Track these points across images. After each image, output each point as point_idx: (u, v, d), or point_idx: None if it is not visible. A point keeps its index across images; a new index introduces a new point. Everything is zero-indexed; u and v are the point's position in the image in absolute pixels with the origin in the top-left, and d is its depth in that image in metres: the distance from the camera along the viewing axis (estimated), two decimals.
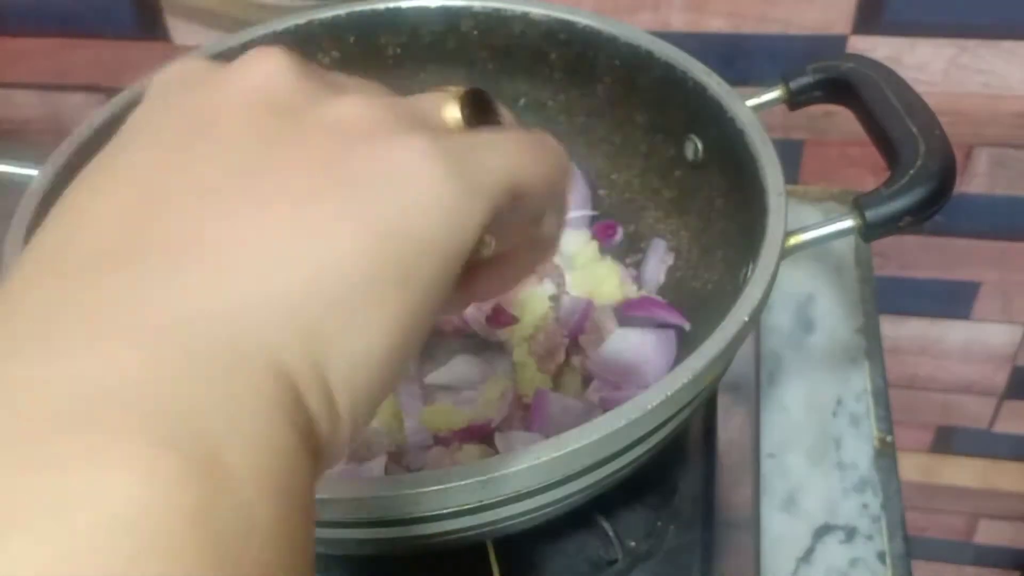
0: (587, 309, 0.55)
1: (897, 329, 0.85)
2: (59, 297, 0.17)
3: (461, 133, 0.23)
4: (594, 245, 0.59)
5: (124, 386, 0.16)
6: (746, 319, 0.39)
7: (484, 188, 0.21)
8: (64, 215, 0.20)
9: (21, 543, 0.14)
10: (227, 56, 0.56)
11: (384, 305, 0.19)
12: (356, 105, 0.21)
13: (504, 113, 0.26)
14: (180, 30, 0.76)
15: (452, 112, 0.23)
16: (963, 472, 0.98)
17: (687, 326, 0.52)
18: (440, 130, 0.22)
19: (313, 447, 0.19)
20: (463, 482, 0.34)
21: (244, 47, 0.56)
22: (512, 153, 0.22)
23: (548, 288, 0.56)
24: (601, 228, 0.60)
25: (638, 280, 0.57)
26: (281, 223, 0.19)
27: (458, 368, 0.53)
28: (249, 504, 0.16)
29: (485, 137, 0.22)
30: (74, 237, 0.19)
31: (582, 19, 0.56)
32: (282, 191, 0.19)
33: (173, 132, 0.21)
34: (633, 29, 0.55)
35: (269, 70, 0.21)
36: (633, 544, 0.48)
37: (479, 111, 0.24)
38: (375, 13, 0.58)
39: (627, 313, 0.55)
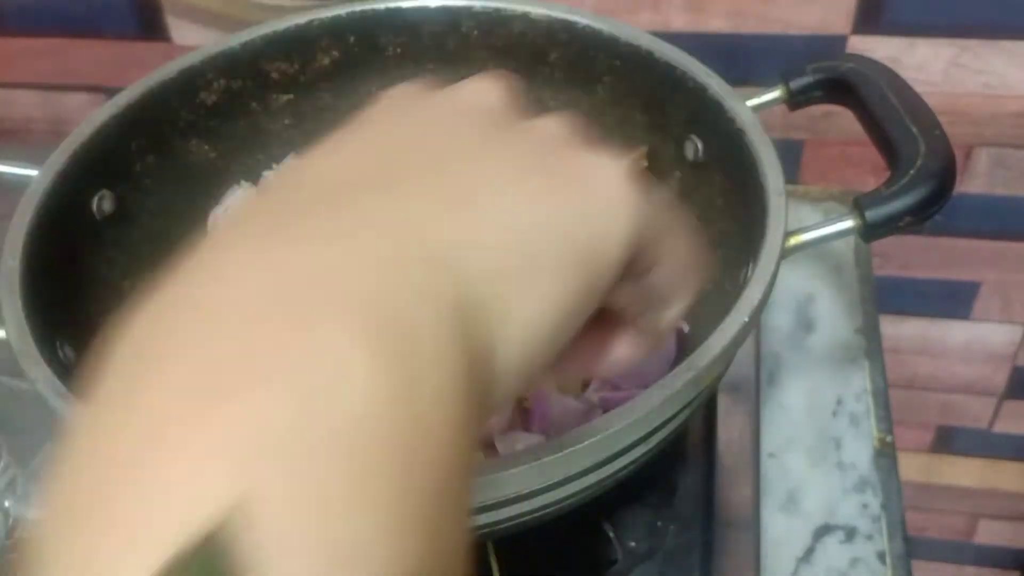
0: None
1: (897, 329, 0.85)
2: (314, 203, 0.20)
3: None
4: None
5: (355, 275, 0.18)
6: (746, 319, 0.39)
7: (646, 219, 0.24)
8: (304, 170, 0.22)
9: (265, 395, 0.16)
10: (228, 56, 0.56)
11: (562, 281, 0.22)
12: (559, 124, 0.25)
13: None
14: (180, 30, 0.76)
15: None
16: (963, 472, 0.98)
17: (686, 328, 0.52)
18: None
19: (479, 385, 0.20)
20: None
21: (244, 47, 0.56)
22: (669, 218, 0.25)
23: None
24: None
25: None
26: (498, 186, 0.22)
27: None
28: (426, 410, 0.17)
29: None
30: (324, 174, 0.22)
31: (582, 19, 0.56)
32: (500, 165, 0.23)
33: (401, 126, 0.24)
34: (633, 29, 0.55)
35: (487, 90, 0.26)
36: (633, 544, 0.48)
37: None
38: (375, 13, 0.58)
39: None
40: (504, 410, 0.49)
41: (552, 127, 0.25)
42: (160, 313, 0.18)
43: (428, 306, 0.19)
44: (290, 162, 0.21)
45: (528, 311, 0.21)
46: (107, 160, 0.51)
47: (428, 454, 0.17)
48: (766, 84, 0.52)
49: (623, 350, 0.28)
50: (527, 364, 0.22)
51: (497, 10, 0.57)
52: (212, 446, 0.15)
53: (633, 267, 0.24)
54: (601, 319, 0.27)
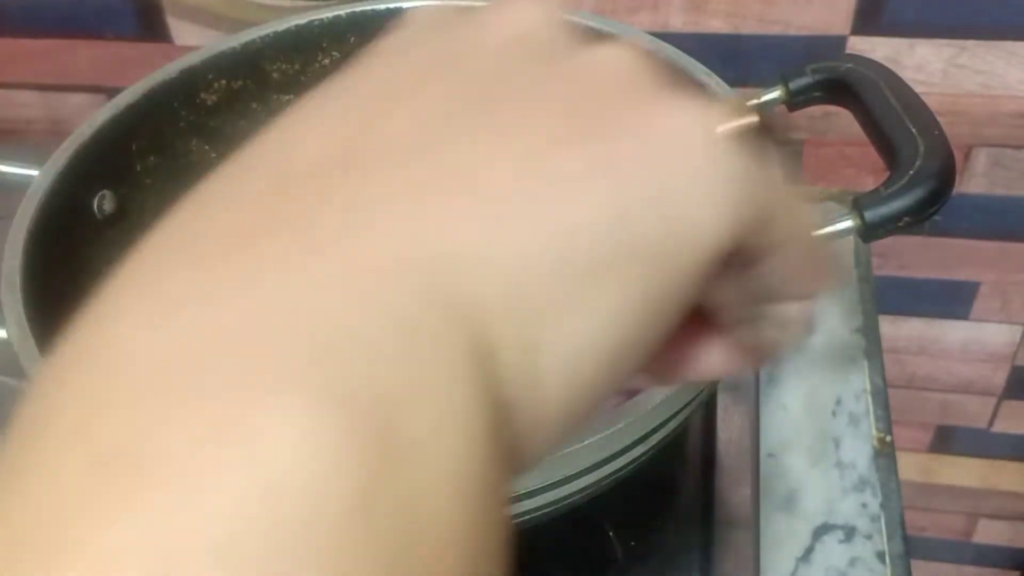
0: None
1: (896, 329, 0.85)
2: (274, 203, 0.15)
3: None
4: None
5: (317, 318, 0.13)
6: None
7: (750, 190, 0.17)
8: (288, 126, 0.18)
9: (182, 494, 0.11)
10: (228, 56, 0.56)
11: (623, 293, 0.16)
12: (625, 54, 0.18)
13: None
14: (181, 30, 0.76)
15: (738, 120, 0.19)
16: (962, 472, 0.98)
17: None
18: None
19: (508, 440, 0.16)
20: None
21: (244, 47, 0.56)
22: (784, 189, 0.19)
23: None
24: None
25: None
26: (519, 160, 0.16)
27: None
28: (424, 492, 0.13)
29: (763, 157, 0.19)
30: (295, 147, 0.17)
31: (582, 19, 0.56)
32: (527, 125, 0.16)
33: (413, 63, 0.18)
34: (633, 29, 0.55)
35: (531, 16, 0.19)
36: (633, 544, 0.48)
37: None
38: (375, 13, 0.58)
39: None
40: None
41: (617, 58, 0.18)
42: (59, 371, 0.14)
43: (424, 350, 0.14)
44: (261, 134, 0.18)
45: (573, 338, 0.16)
46: (108, 160, 0.51)
47: (432, 542, 0.13)
48: (765, 84, 0.52)
49: (717, 360, 0.22)
50: (592, 389, 0.17)
51: None
52: (113, 558, 0.11)
53: (735, 259, 0.18)
54: (691, 318, 0.20)
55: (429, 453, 0.13)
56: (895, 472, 0.54)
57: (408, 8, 0.58)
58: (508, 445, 0.16)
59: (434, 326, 0.14)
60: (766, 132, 0.19)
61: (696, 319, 0.20)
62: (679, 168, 0.17)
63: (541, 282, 0.15)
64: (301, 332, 0.13)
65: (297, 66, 0.58)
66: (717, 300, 0.20)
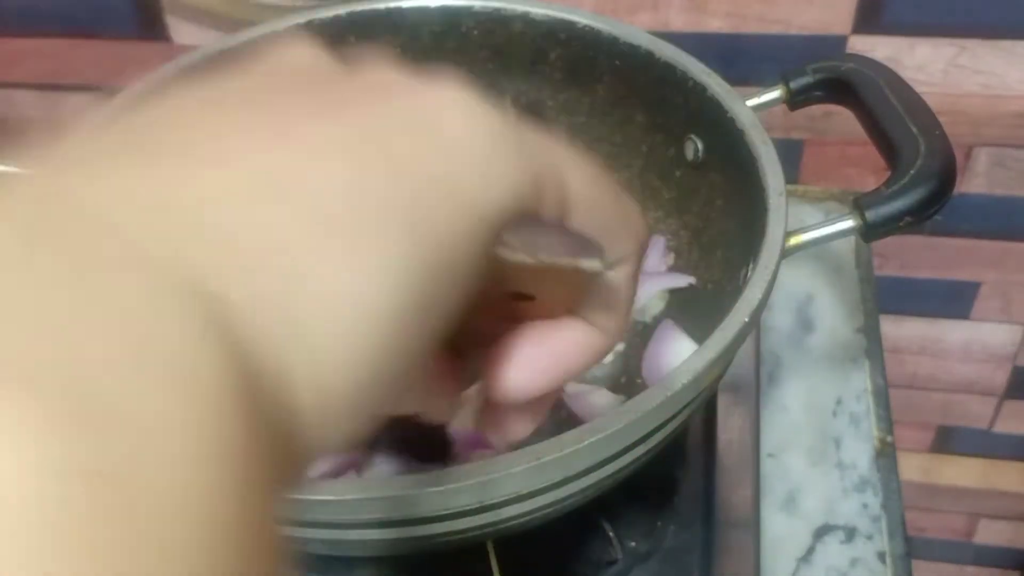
0: None
1: (897, 329, 0.85)
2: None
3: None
4: None
5: (27, 301, 0.12)
6: (746, 319, 0.39)
7: (525, 151, 0.18)
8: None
9: None
10: (228, 56, 0.56)
11: (384, 249, 0.16)
12: (384, 65, 0.19)
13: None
14: (180, 30, 0.76)
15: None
16: (963, 472, 0.98)
17: (693, 280, 0.53)
18: None
19: (276, 412, 0.15)
20: (464, 483, 0.34)
21: (244, 47, 0.56)
22: (565, 150, 0.19)
23: None
24: None
25: None
26: (266, 137, 0.16)
27: None
28: (161, 468, 0.12)
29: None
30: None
31: (582, 19, 0.56)
32: (285, 110, 0.17)
33: (194, 99, 0.18)
34: (633, 29, 0.55)
35: (303, 51, 0.19)
36: (633, 544, 0.48)
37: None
38: (375, 13, 0.58)
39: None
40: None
41: (388, 73, 0.19)
42: None
43: (147, 325, 0.13)
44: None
45: (339, 297, 0.15)
46: None
47: (163, 536, 0.12)
48: (766, 84, 0.52)
49: (574, 351, 0.21)
50: (362, 369, 0.16)
51: (497, 10, 0.57)
52: None
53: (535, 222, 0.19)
54: (542, 319, 0.21)
55: (154, 439, 0.12)
56: (896, 472, 0.54)
57: (407, 8, 0.58)
58: (277, 418, 0.15)
59: (159, 296, 0.13)
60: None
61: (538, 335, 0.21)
62: (453, 126, 0.17)
63: (297, 242, 0.15)
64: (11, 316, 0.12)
65: None
66: (544, 286, 0.20)
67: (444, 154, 0.17)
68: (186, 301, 0.14)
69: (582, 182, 0.20)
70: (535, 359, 0.21)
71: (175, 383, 0.13)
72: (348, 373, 0.16)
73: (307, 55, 0.19)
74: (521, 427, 0.23)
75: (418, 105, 0.18)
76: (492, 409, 0.23)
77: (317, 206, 0.15)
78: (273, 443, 0.15)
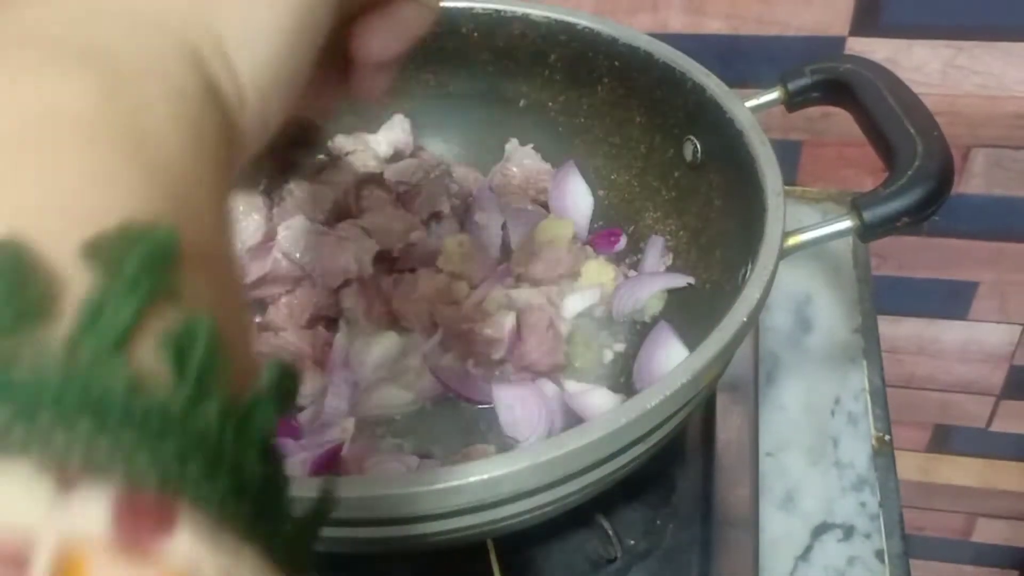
0: None
1: (895, 329, 0.85)
2: None
3: None
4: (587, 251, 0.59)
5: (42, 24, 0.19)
6: (744, 319, 0.39)
7: None
8: None
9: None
10: None
11: None
12: None
13: None
14: None
15: None
16: (961, 471, 0.98)
17: (691, 280, 0.53)
18: None
19: (220, 106, 0.21)
20: (463, 482, 0.34)
21: None
22: None
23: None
24: (604, 236, 0.60)
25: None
26: None
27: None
28: (148, 107, 0.18)
29: None
30: None
31: (582, 21, 0.56)
32: None
33: None
34: (632, 31, 0.55)
35: None
36: (632, 543, 0.48)
37: None
38: None
39: (625, 292, 0.55)
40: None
41: None
42: None
43: (123, 31, 0.19)
44: None
45: (249, 10, 0.22)
46: None
47: (156, 134, 0.18)
48: (764, 85, 0.52)
49: (408, 20, 0.30)
50: (276, 67, 0.22)
51: (497, 12, 0.57)
52: None
53: None
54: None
55: (149, 79, 0.19)
56: (894, 471, 0.54)
57: None
58: (223, 108, 0.21)
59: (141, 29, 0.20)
60: None
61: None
62: None
63: None
64: (52, 22, 0.19)
65: None
66: None
67: None
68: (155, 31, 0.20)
69: None
70: (385, 30, 0.30)
71: (154, 49, 0.20)
72: (276, 67, 0.22)
73: None
74: (380, 83, 0.32)
75: None
76: (359, 72, 0.31)
77: None
78: (227, 125, 0.21)
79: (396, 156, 0.61)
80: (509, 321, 0.52)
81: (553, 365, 0.53)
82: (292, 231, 0.54)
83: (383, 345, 0.53)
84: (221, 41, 0.21)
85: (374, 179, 0.58)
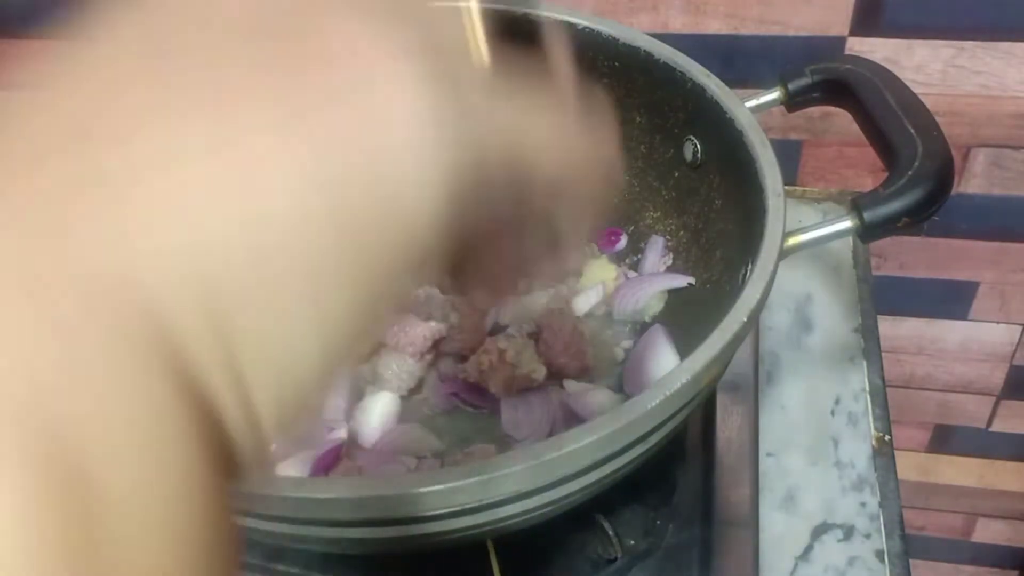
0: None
1: (895, 329, 0.85)
2: None
3: (472, 74, 0.18)
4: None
5: None
6: (745, 319, 0.39)
7: (475, 140, 0.16)
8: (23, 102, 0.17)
9: None
10: None
11: (319, 271, 0.15)
12: (353, 31, 0.16)
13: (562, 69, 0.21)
14: None
15: (477, 37, 0.18)
16: (961, 471, 0.98)
17: (692, 280, 0.53)
18: (445, 57, 0.17)
19: (222, 453, 0.15)
20: (463, 482, 0.34)
21: None
22: (529, 116, 0.18)
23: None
24: (605, 235, 0.60)
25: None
26: (216, 143, 0.15)
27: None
28: (126, 539, 0.13)
29: (502, 85, 0.18)
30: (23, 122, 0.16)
31: (581, 20, 0.56)
32: (210, 98, 0.15)
33: (137, 32, 0.16)
34: (632, 30, 0.55)
35: None
36: (632, 543, 0.48)
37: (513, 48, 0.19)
38: None
39: (626, 293, 0.55)
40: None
41: (342, 36, 0.16)
42: None
43: (99, 387, 0.13)
44: None
45: (280, 326, 0.15)
46: None
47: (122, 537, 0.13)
48: (764, 85, 0.52)
49: (526, 267, 0.23)
50: (305, 386, 0.16)
51: (497, 11, 0.57)
52: None
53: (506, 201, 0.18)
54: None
55: (128, 490, 0.13)
56: (894, 471, 0.54)
57: None
58: (225, 453, 0.15)
59: (120, 347, 0.13)
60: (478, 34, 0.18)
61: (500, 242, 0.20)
62: (392, 114, 0.15)
63: (222, 279, 0.14)
64: None
65: None
66: (491, 211, 0.19)
67: (380, 140, 0.15)
68: (130, 319, 0.14)
69: (545, 148, 0.18)
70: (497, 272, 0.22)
71: (125, 396, 0.13)
72: (281, 394, 0.16)
73: None
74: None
75: (350, 72, 0.15)
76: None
77: (253, 229, 0.14)
78: (219, 441, 0.15)
79: None
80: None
81: (581, 368, 0.52)
82: None
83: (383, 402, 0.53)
84: (239, 364, 0.15)
85: None
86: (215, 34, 0.16)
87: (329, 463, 0.48)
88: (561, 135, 0.19)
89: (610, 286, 0.56)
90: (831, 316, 0.62)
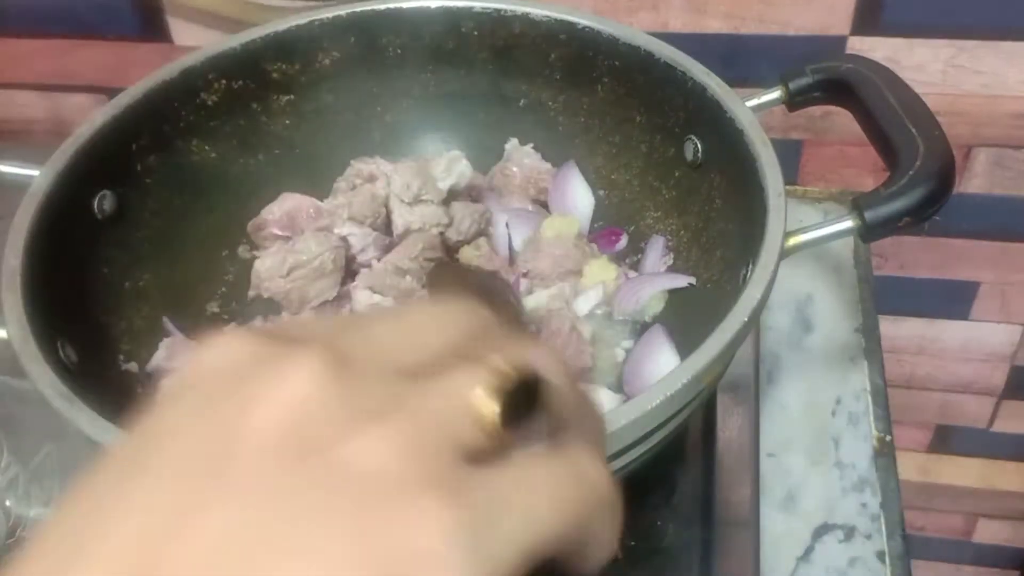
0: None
1: (896, 329, 0.85)
2: None
3: (485, 470, 0.20)
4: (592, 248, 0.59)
5: None
6: (745, 319, 0.39)
7: (501, 563, 0.18)
8: (61, 543, 0.18)
9: None
10: (228, 56, 0.56)
11: None
12: (380, 451, 0.18)
13: (555, 390, 0.22)
14: (181, 31, 0.76)
15: (487, 408, 0.20)
16: (962, 471, 0.98)
17: (692, 280, 0.53)
18: (463, 465, 0.19)
19: None
20: None
21: (244, 47, 0.56)
22: (540, 502, 0.20)
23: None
24: (605, 235, 0.60)
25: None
26: None
27: None
28: None
29: (511, 477, 0.20)
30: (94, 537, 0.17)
31: (582, 20, 0.56)
32: (302, 552, 0.17)
33: (188, 460, 0.18)
34: (632, 30, 0.55)
35: (302, 388, 0.19)
36: (633, 543, 0.48)
37: (518, 403, 0.21)
38: (376, 13, 0.58)
39: (626, 293, 0.55)
40: None
41: (374, 459, 0.18)
42: None
43: None
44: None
45: None
46: (108, 160, 0.51)
47: None
48: (765, 85, 0.52)
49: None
50: None
51: (497, 11, 0.57)
52: None
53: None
54: None
55: None
56: (895, 472, 0.54)
57: (408, 9, 0.58)
58: None
59: None
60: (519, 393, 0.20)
61: None
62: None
63: None
64: None
65: (297, 66, 0.58)
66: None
67: None
68: None
69: (559, 522, 0.20)
70: None
71: None
72: None
73: (306, 396, 0.19)
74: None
75: (404, 539, 0.17)
76: None
77: None
78: None
79: (451, 193, 0.59)
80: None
81: (580, 369, 0.52)
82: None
83: None
84: None
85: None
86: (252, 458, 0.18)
87: None
88: (563, 497, 0.21)
89: (610, 286, 0.56)
90: (832, 316, 0.62)
